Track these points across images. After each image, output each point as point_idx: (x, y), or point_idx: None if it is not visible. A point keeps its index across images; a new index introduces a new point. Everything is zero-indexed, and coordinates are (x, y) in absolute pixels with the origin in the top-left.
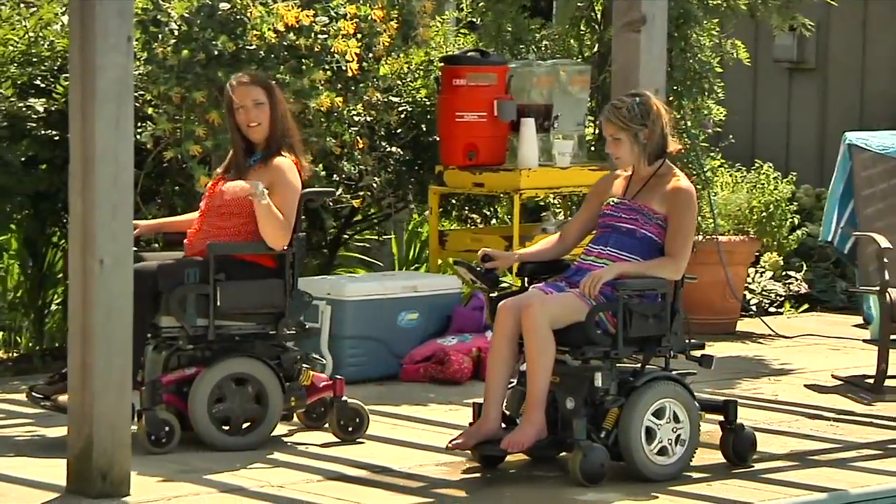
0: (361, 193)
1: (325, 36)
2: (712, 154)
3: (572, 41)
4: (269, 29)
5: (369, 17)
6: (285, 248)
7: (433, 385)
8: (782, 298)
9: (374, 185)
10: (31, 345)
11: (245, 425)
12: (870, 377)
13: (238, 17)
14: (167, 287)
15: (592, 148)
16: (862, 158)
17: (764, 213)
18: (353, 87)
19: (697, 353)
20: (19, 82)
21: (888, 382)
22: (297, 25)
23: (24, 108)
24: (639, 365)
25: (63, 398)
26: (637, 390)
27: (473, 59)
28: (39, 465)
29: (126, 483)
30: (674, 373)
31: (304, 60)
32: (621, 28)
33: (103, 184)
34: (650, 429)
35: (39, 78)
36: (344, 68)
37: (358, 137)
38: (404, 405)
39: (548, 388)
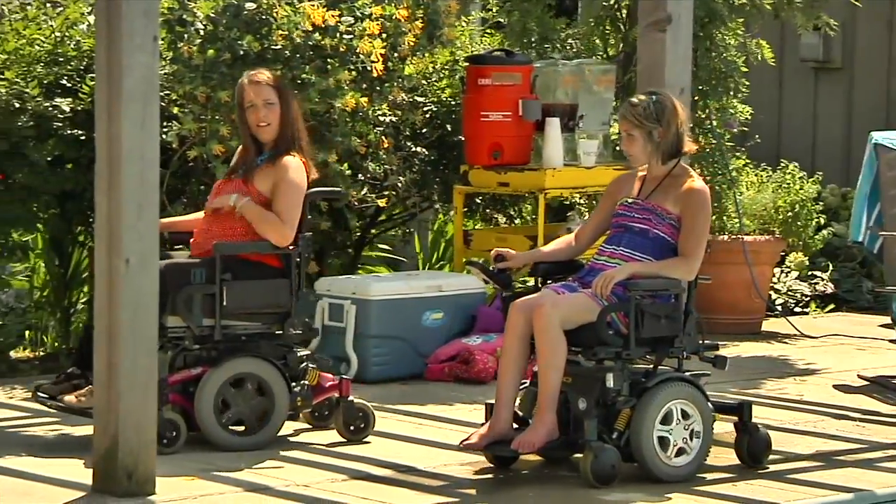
0: (386, 193)
1: (351, 36)
2: (738, 153)
3: (597, 41)
4: (294, 29)
5: (394, 17)
6: (291, 247)
7: (458, 384)
8: (808, 298)
9: (399, 184)
10: (57, 344)
11: (251, 425)
12: None
13: (264, 16)
14: (173, 287)
15: (617, 147)
16: (888, 158)
17: (789, 213)
18: (378, 87)
19: (711, 354)
20: (46, 82)
21: None
22: (322, 25)
23: (50, 108)
24: (652, 366)
25: (69, 398)
26: (649, 391)
27: (498, 58)
28: (65, 463)
29: (151, 482)
30: (687, 374)
31: (329, 60)
32: (647, 27)
33: (129, 183)
34: (662, 431)
35: (66, 77)
36: (369, 68)
37: (383, 137)
38: (429, 405)
39: (559, 389)
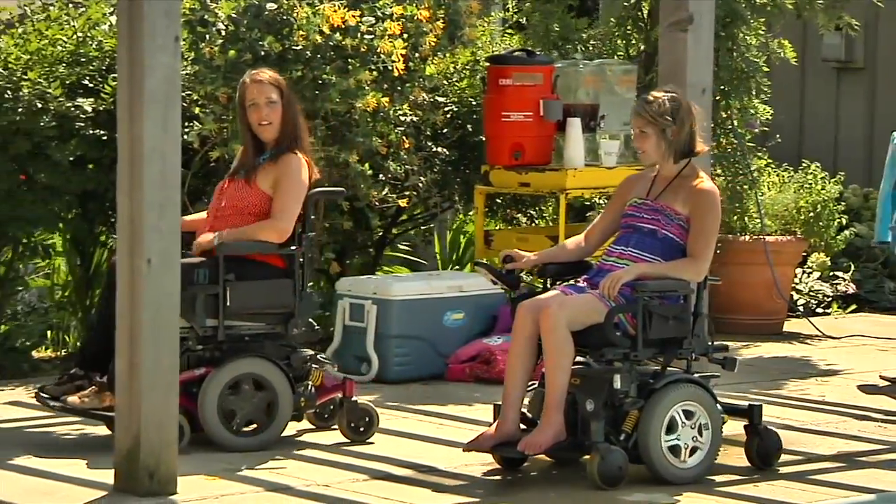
0: (407, 193)
1: (372, 36)
2: (759, 154)
3: (619, 41)
4: (315, 30)
5: (415, 18)
6: (295, 247)
7: (479, 385)
8: (830, 299)
9: (420, 184)
10: (78, 344)
11: (255, 426)
12: None
13: (285, 17)
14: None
15: None
16: None
17: (811, 213)
18: (399, 87)
19: (720, 356)
20: (68, 82)
21: None
22: (343, 26)
23: (72, 108)
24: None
25: (72, 399)
26: (657, 392)
27: (519, 58)
28: (87, 463)
29: (173, 482)
30: (696, 375)
31: (350, 61)
32: (668, 27)
33: (151, 183)
34: (671, 431)
35: (88, 78)
36: (390, 68)
37: (404, 137)
38: (450, 405)
39: (566, 390)
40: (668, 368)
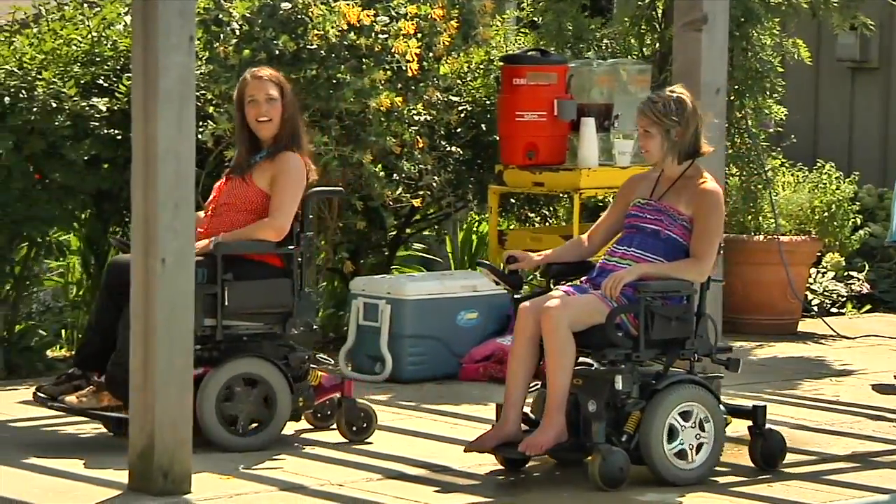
0: (421, 193)
1: (386, 36)
2: (774, 153)
3: (633, 40)
4: (330, 28)
5: (429, 17)
6: (293, 247)
7: (493, 384)
8: (844, 299)
9: (434, 184)
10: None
11: (253, 426)
12: None
13: (299, 16)
14: None
15: None
16: None
17: (826, 213)
18: (413, 87)
19: (724, 357)
20: (83, 81)
21: None
22: (357, 25)
23: (87, 108)
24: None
25: (70, 399)
26: (659, 393)
27: (533, 58)
28: (102, 462)
29: (187, 481)
30: (698, 376)
31: (364, 60)
32: (682, 27)
33: (165, 183)
34: (673, 432)
35: (102, 77)
36: (404, 68)
37: (418, 137)
38: (464, 404)
39: (568, 390)
40: (672, 369)
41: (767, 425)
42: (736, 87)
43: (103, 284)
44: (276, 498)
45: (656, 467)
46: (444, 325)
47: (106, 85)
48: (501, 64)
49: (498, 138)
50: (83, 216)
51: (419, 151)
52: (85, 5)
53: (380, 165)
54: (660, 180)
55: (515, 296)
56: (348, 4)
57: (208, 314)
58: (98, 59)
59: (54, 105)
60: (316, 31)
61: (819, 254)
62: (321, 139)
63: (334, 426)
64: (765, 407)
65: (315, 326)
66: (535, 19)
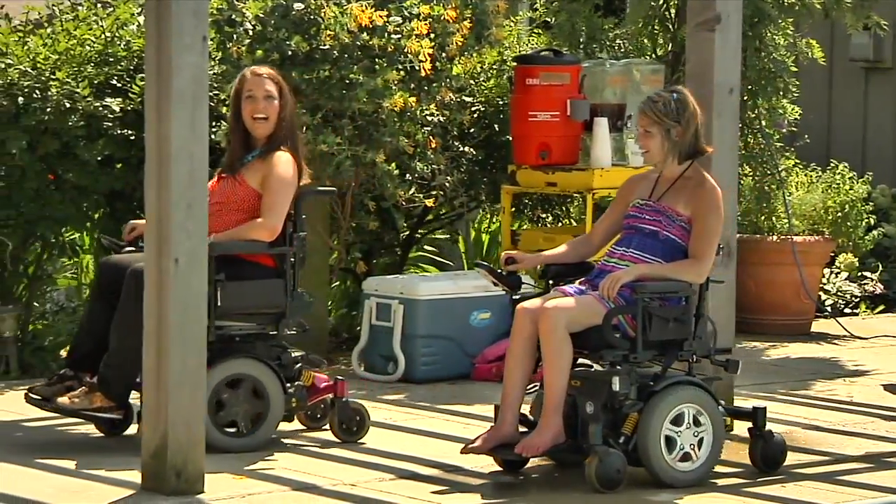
0: (434, 193)
1: (399, 36)
2: (787, 154)
3: (646, 40)
4: (342, 29)
5: (442, 17)
6: (290, 247)
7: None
8: (857, 299)
9: (447, 184)
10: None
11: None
12: None
13: (312, 17)
14: None
15: None
16: None
17: (839, 214)
18: (426, 87)
19: (722, 358)
20: (96, 82)
21: None
22: (370, 26)
23: (100, 108)
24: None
25: (62, 400)
26: (657, 395)
27: (546, 58)
28: (115, 462)
29: (200, 480)
30: (697, 377)
31: (377, 60)
32: (695, 27)
33: (178, 183)
34: (670, 435)
35: (116, 77)
36: (417, 68)
37: (431, 137)
38: (476, 404)
39: (565, 392)
40: (670, 370)
41: (772, 426)
42: (749, 87)
43: (94, 285)
44: (288, 498)
45: (653, 469)
46: (457, 325)
47: (119, 85)
48: (514, 64)
49: (511, 138)
50: (97, 216)
51: (432, 151)
52: (98, 5)
53: (393, 165)
54: (659, 181)
55: (514, 297)
56: (360, 5)
57: None
58: (111, 60)
59: (68, 105)
60: (329, 32)
61: (832, 254)
62: (334, 139)
63: (327, 426)
64: (765, 409)
65: (307, 327)
66: (548, 19)
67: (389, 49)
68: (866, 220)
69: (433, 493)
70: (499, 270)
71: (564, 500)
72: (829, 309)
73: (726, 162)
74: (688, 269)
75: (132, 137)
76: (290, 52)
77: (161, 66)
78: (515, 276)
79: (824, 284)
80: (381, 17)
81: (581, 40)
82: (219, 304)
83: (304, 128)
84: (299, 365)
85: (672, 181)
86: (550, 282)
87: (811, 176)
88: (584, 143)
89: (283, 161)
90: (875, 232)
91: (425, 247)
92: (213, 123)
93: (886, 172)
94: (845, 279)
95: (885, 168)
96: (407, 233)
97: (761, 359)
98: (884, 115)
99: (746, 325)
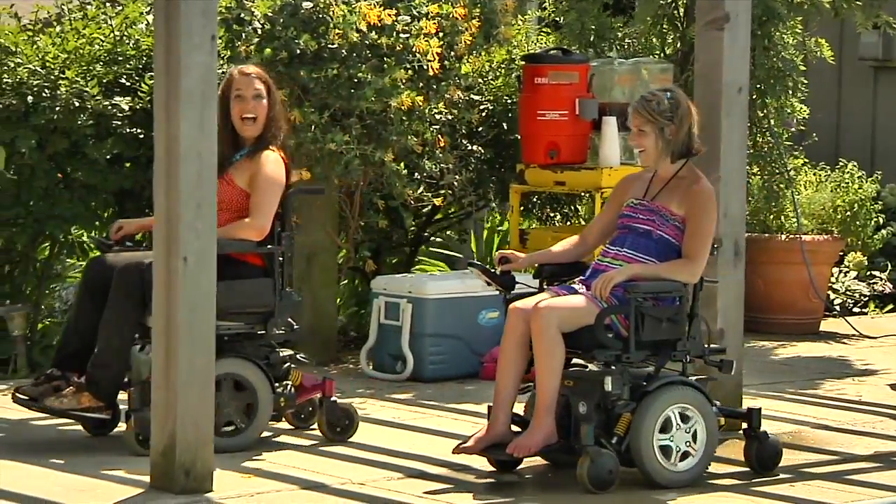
0: (442, 192)
1: (407, 35)
2: (796, 153)
3: (655, 39)
4: (351, 28)
5: (451, 16)
6: (279, 246)
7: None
8: (866, 298)
9: (455, 183)
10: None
11: (231, 427)
12: None
13: (321, 15)
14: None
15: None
16: None
17: (848, 213)
18: (434, 86)
19: (717, 358)
20: (105, 81)
21: None
22: (379, 24)
23: (109, 107)
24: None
25: (50, 400)
26: (649, 395)
27: (555, 57)
28: (124, 461)
29: (209, 479)
30: (691, 377)
31: (385, 59)
32: (704, 26)
33: (187, 182)
34: (664, 431)
35: (125, 76)
36: (425, 67)
37: (439, 136)
38: (485, 403)
39: (557, 392)
40: (664, 370)
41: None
42: (758, 86)
43: (82, 284)
44: (297, 497)
45: (646, 469)
46: (466, 323)
47: (128, 84)
48: (523, 63)
49: (519, 137)
50: (105, 215)
51: (440, 150)
52: (107, 4)
53: (401, 164)
54: (653, 180)
55: (507, 296)
56: (369, 4)
57: None
58: (120, 59)
59: (77, 104)
60: (337, 31)
61: (841, 253)
62: (342, 138)
63: (315, 426)
64: (759, 409)
65: (296, 326)
66: (557, 18)
67: (398, 48)
68: (875, 220)
69: (439, 492)
70: (492, 270)
71: (574, 497)
72: (837, 308)
73: (735, 161)
74: (681, 268)
75: (141, 136)
76: (298, 51)
77: (170, 65)
78: (509, 276)
79: (833, 284)
80: (389, 15)
81: (590, 39)
82: None
83: (312, 126)
84: (287, 364)
85: (666, 181)
86: (544, 282)
87: (820, 175)
88: (592, 142)
89: (271, 160)
90: (884, 231)
91: (436, 242)
92: None
93: (895, 171)
94: (854, 278)
95: (894, 167)
96: (415, 231)
97: (770, 358)
98: (893, 114)
99: (755, 325)
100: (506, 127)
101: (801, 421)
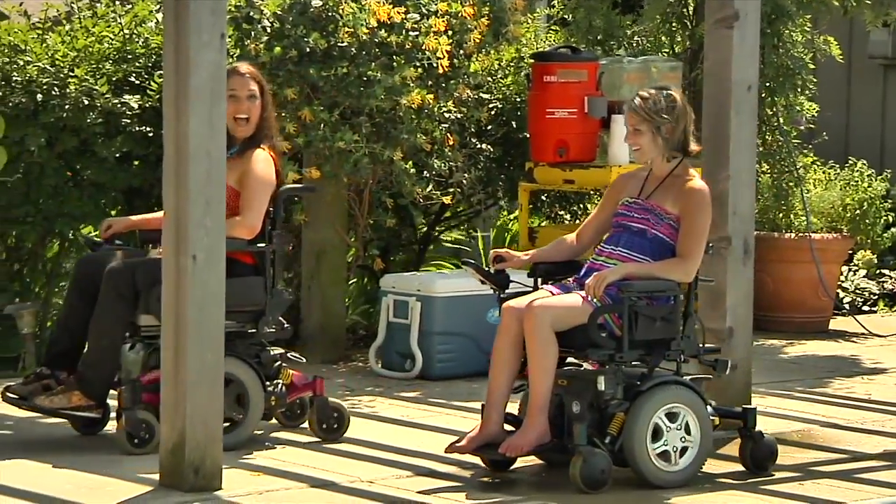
0: (451, 190)
1: (417, 33)
2: (805, 151)
3: (664, 37)
4: (361, 26)
5: (460, 14)
6: (269, 245)
7: (522, 382)
8: (876, 296)
9: (465, 181)
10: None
11: (225, 425)
12: None
13: (330, 13)
14: (146, 285)
15: None
16: None
17: (857, 211)
18: (443, 84)
19: (711, 358)
20: (114, 79)
21: None
22: (388, 22)
23: (118, 105)
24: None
25: (40, 399)
26: (643, 395)
27: (564, 55)
28: (133, 459)
29: (218, 477)
30: (685, 377)
31: (395, 57)
32: (713, 24)
33: (196, 180)
34: (657, 433)
35: (134, 75)
36: (435, 65)
37: (448, 134)
38: None
39: (550, 391)
40: (658, 369)
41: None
42: (767, 84)
43: (72, 282)
44: (306, 495)
45: (640, 469)
46: (474, 322)
47: (138, 82)
48: (532, 61)
49: (528, 135)
50: (114, 213)
51: (449, 149)
52: (117, 2)
53: (410, 163)
54: (648, 179)
55: (501, 295)
56: (379, 2)
57: None
58: (130, 57)
59: (86, 102)
60: (347, 29)
61: (850, 251)
62: (352, 136)
63: (305, 425)
64: (755, 409)
65: (287, 325)
66: (566, 16)
67: (407, 46)
68: (884, 218)
69: (445, 490)
70: (486, 268)
71: (578, 498)
72: (847, 306)
73: (744, 159)
74: (675, 267)
75: (150, 134)
76: (308, 49)
77: (179, 64)
78: (503, 275)
79: (842, 282)
80: (399, 13)
81: (599, 37)
82: None
83: (322, 125)
84: (278, 363)
85: (661, 179)
86: (539, 280)
87: (829, 173)
88: (601, 140)
89: (262, 159)
90: (893, 229)
91: (445, 241)
92: None
93: None
94: (863, 276)
95: None
96: (424, 230)
97: (779, 356)
98: None
99: (764, 323)
100: (515, 125)
101: (810, 419)
